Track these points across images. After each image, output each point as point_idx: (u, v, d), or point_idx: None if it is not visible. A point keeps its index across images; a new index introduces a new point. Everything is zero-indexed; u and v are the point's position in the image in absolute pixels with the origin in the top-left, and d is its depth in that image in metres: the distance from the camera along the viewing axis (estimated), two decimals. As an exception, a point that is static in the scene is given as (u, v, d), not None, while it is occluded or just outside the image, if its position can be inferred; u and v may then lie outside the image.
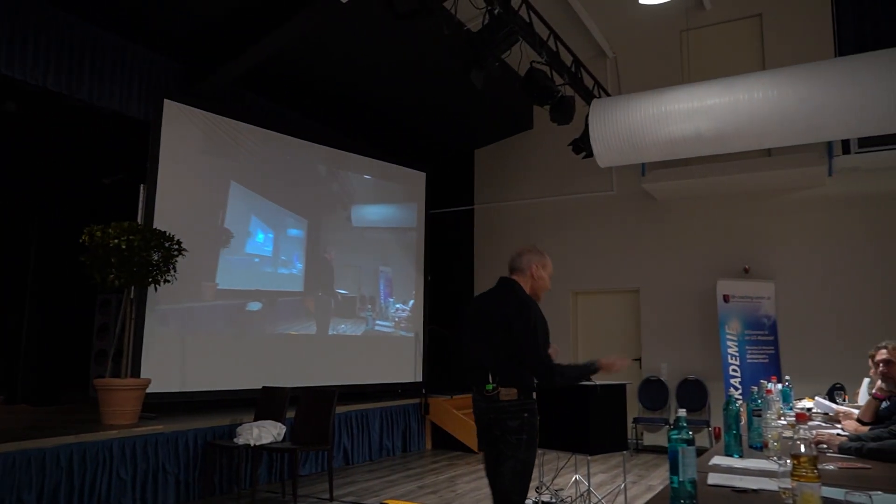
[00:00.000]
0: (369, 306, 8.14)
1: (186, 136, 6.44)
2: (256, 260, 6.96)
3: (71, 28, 5.72)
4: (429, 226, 9.03)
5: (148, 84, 6.34)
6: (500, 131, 9.60)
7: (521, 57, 5.79)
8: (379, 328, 8.22)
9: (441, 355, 9.33)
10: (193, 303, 6.34)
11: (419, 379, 8.49)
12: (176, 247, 5.70)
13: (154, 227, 5.90)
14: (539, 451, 5.19)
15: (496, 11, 5.11)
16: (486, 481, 3.24)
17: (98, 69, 5.95)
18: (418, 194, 8.95)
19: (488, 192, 9.77)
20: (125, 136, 6.90)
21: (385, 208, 8.62)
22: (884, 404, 3.73)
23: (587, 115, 6.29)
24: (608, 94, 7.40)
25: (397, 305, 8.50)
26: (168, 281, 5.69)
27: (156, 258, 5.53)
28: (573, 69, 6.54)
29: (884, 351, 3.77)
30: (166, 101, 6.29)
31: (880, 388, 3.77)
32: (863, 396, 4.45)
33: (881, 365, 3.74)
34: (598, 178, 8.73)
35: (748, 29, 8.05)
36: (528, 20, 5.71)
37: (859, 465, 2.62)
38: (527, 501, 3.31)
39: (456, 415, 8.15)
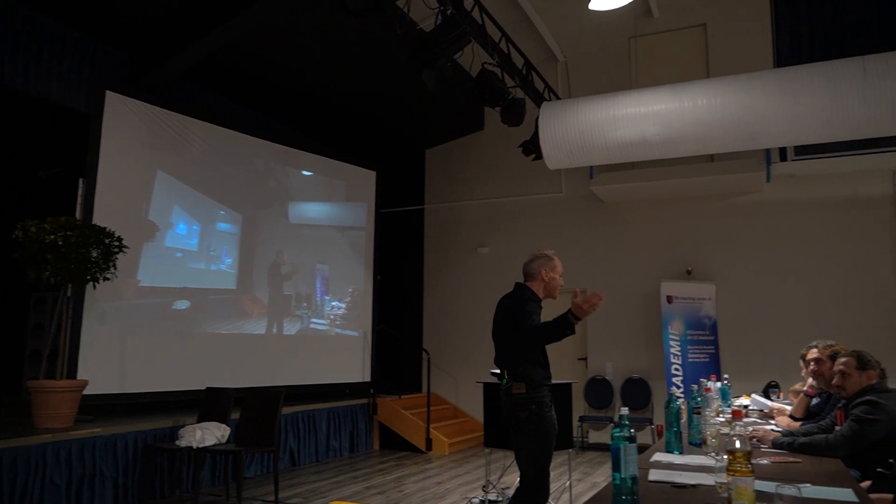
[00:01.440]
0: (305, 304, 7.91)
1: (129, 129, 6.25)
2: (179, 255, 6.62)
3: (3, 11, 5.47)
4: (379, 225, 8.96)
5: (90, 74, 6.11)
6: (452, 131, 9.62)
7: (472, 58, 5.82)
8: (314, 326, 7.99)
9: (390, 355, 9.29)
10: (127, 301, 6.12)
11: (367, 379, 8.44)
12: (116, 243, 5.52)
13: (93, 222, 5.71)
14: (486, 450, 5.26)
15: (449, 12, 5.13)
16: (433, 481, 3.43)
17: (35, 56, 5.69)
18: (369, 193, 8.88)
19: (439, 192, 9.78)
20: (64, 127, 6.65)
21: (333, 206, 8.46)
22: (814, 401, 3.91)
23: (537, 118, 6.34)
24: (558, 98, 7.50)
25: (333, 303, 8.25)
26: (108, 279, 5.51)
27: (95, 255, 5.35)
28: (524, 72, 6.60)
29: (814, 350, 3.95)
30: (108, 93, 6.08)
31: (811, 386, 3.94)
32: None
33: (812, 364, 3.91)
34: (547, 180, 8.83)
35: (693, 38, 8.28)
36: (480, 22, 5.74)
37: (791, 459, 2.74)
38: (474, 499, 3.40)
39: (404, 415, 8.12)
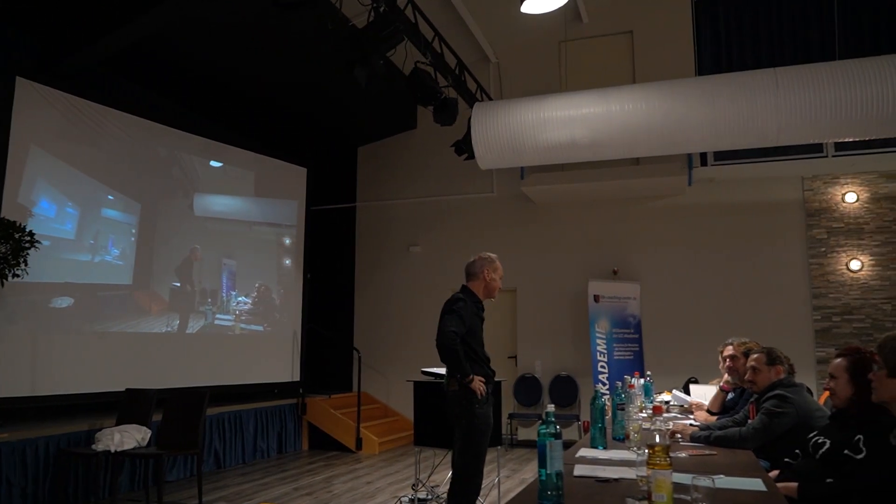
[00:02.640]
0: (216, 301, 7.57)
1: (42, 118, 5.92)
2: (47, 243, 5.69)
3: None
4: (310, 222, 8.82)
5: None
6: (384, 129, 9.57)
7: (405, 56, 5.79)
8: (220, 322, 7.60)
9: (320, 355, 9.19)
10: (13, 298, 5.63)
11: (296, 378, 8.31)
12: (27, 238, 5.23)
13: (2, 216, 5.38)
14: (416, 449, 5.26)
15: (382, 9, 5.09)
16: (362, 481, 3.54)
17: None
18: (299, 190, 8.71)
19: (371, 190, 9.72)
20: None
21: (259, 202, 8.19)
22: (730, 396, 4.08)
23: (469, 118, 6.35)
24: (490, 98, 7.55)
25: (240, 298, 7.87)
26: (17, 276, 5.21)
27: (3, 250, 5.05)
28: (457, 72, 6.62)
29: (730, 347, 4.12)
30: (19, 79, 5.75)
31: (727, 381, 4.11)
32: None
33: (728, 360, 4.09)
34: (479, 180, 8.89)
35: (621, 44, 8.51)
36: (413, 20, 5.73)
37: (707, 451, 2.85)
38: (403, 498, 3.50)
39: (333, 414, 8.05)
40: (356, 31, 5.15)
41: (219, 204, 7.78)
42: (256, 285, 8.15)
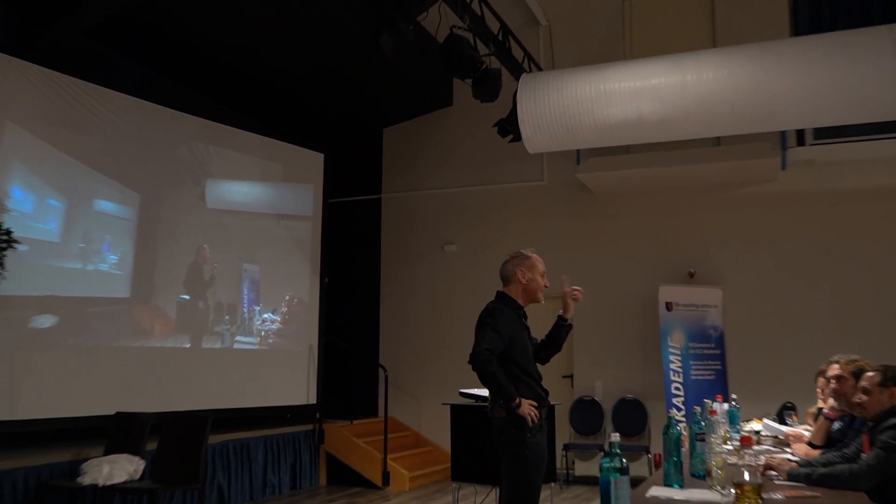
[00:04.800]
0: (227, 317, 7.60)
1: (21, 96, 6.04)
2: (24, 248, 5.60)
3: None
4: (327, 217, 8.87)
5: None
6: (414, 108, 9.58)
7: (439, 21, 5.78)
8: (246, 338, 7.74)
9: (340, 373, 9.22)
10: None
11: (313, 401, 8.34)
12: (5, 237, 5.36)
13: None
14: (454, 485, 5.25)
15: (411, -35, 5.10)
16: None
17: None
18: (315, 179, 8.74)
19: (399, 178, 9.74)
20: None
21: (268, 193, 8.28)
22: (836, 425, 3.95)
23: (515, 92, 6.34)
24: (540, 69, 7.50)
25: (265, 315, 8.00)
26: (-5, 281, 5.34)
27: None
28: (500, 38, 6.59)
29: (836, 366, 3.99)
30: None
31: (832, 408, 3.99)
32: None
33: (832, 381, 3.96)
34: (527, 165, 8.81)
35: (698, 1, 8.37)
36: (448, -23, 5.72)
37: (809, 493, 2.77)
38: None
39: (356, 444, 8.08)
40: (381, -10, 5.17)
41: (235, 192, 7.87)
42: (287, 297, 8.25)
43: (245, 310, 7.81)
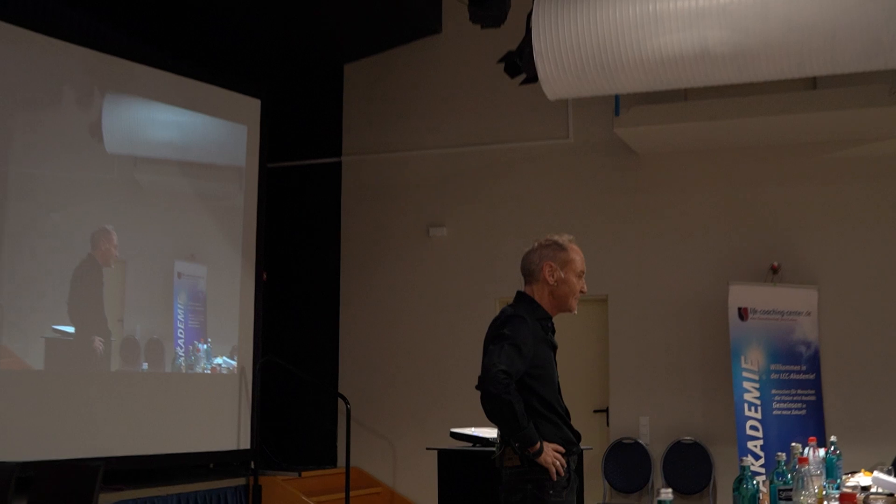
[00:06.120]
0: (150, 352, 7.77)
1: None
2: None
3: None
4: (266, 189, 8.91)
5: None
6: (387, 36, 9.53)
7: None
8: (143, 369, 7.80)
9: (283, 406, 9.31)
10: None
11: (245, 445, 8.40)
12: None
13: None
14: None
15: None
16: None
17: None
18: (248, 136, 8.76)
19: (366, 135, 9.69)
20: None
21: (180, 153, 8.23)
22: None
23: (529, 14, 6.22)
24: (564, -19, 7.39)
25: (179, 320, 8.11)
26: None
27: None
28: (509, -67, 6.47)
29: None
30: None
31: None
32: None
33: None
34: (545, 117, 8.77)
35: None
36: None
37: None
38: None
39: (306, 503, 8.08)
40: None
41: (136, 147, 7.90)
42: (214, 296, 8.40)
43: (181, 348, 8.01)
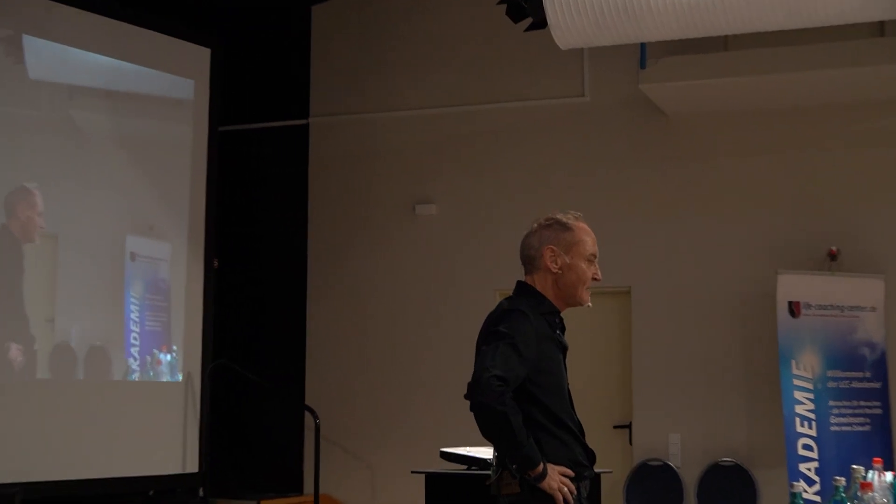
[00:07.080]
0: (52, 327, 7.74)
1: None
2: None
3: None
4: (216, 155, 8.94)
5: None
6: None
7: None
8: (67, 377, 7.83)
9: (239, 420, 9.32)
10: None
11: (193, 468, 8.42)
12: None
13: None
14: None
15: None
16: None
17: None
18: (195, 92, 8.77)
19: (338, 92, 9.73)
20: None
21: (113, 113, 8.26)
22: None
23: (536, -55, 6.28)
24: None
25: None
26: None
27: None
28: None
29: None
30: None
31: None
32: None
33: None
34: (556, 71, 8.81)
35: None
36: None
37: None
38: None
39: (265, 540, 8.15)
40: None
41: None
42: (155, 287, 8.40)
43: (135, 359, 8.07)
